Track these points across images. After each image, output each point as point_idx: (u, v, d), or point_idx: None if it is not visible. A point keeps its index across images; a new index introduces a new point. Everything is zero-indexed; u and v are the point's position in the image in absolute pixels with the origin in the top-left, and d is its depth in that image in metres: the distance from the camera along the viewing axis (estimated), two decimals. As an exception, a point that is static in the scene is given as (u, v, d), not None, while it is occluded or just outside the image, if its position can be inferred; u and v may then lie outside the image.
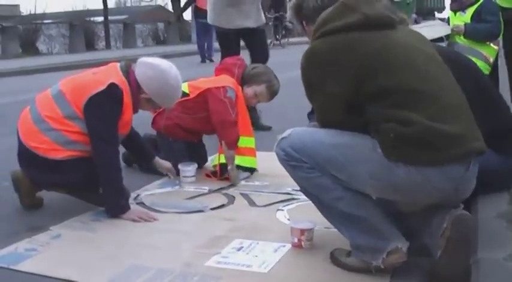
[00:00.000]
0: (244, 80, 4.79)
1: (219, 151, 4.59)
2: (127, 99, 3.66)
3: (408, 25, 2.88)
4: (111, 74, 3.68)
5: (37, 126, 3.63)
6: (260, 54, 6.72)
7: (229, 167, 4.50)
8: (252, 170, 4.71)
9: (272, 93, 4.87)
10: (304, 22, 3.03)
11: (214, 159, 4.68)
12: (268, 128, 6.44)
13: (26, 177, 3.78)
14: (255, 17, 6.72)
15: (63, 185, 3.73)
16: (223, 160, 4.55)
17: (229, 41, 6.85)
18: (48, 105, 3.67)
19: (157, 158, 4.39)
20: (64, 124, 3.60)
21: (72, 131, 3.61)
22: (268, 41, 22.95)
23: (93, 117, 3.58)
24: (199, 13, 16.99)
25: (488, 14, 5.95)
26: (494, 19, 5.91)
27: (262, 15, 6.88)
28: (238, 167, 4.59)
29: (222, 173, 4.58)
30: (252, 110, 5.83)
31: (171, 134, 4.72)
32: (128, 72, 3.73)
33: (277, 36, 24.27)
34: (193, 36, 23.55)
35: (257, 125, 6.40)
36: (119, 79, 3.66)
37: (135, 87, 3.72)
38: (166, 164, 4.44)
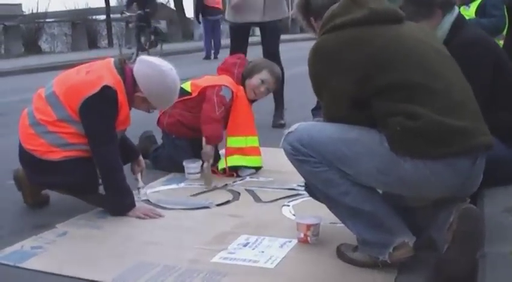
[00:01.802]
0: (245, 76, 4.80)
1: (226, 154, 4.62)
2: (122, 97, 3.59)
3: None
4: (105, 73, 3.60)
5: (34, 129, 3.61)
6: (266, 52, 6.67)
7: (204, 165, 4.48)
8: (257, 168, 4.72)
9: (275, 75, 4.86)
10: (312, 18, 3.03)
11: (220, 163, 4.67)
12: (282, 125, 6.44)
13: (27, 177, 3.78)
14: (263, 11, 6.59)
15: (61, 186, 3.71)
16: (230, 163, 4.58)
17: (236, 35, 6.87)
18: (42, 108, 3.62)
19: (140, 157, 4.19)
20: (59, 126, 3.56)
21: (69, 133, 3.57)
22: (130, 51, 16.68)
23: (89, 120, 3.54)
24: (206, 11, 17.16)
25: (493, 8, 5.92)
26: (499, 13, 5.89)
27: (279, 10, 6.71)
28: (246, 167, 4.62)
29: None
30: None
31: (174, 131, 4.74)
32: (122, 68, 3.67)
33: (146, 44, 17.09)
34: (197, 33, 23.09)
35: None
36: (113, 78, 3.59)
37: (131, 84, 3.67)
38: (141, 164, 4.18)
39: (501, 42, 5.99)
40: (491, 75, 3.33)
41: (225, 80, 4.70)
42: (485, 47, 3.43)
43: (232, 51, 6.60)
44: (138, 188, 4.09)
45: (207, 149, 4.47)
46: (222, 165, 4.62)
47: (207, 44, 17.61)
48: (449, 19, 3.46)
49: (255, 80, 4.76)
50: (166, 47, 18.73)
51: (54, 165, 3.57)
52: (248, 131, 4.69)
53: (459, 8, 6.16)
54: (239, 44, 6.74)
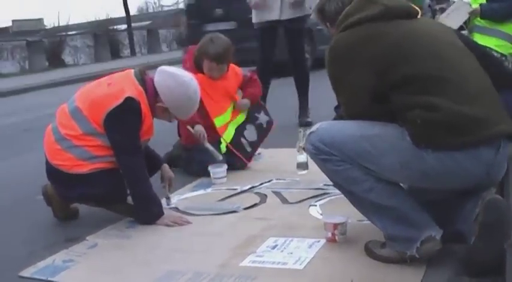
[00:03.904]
0: (198, 64, 4.84)
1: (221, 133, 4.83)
2: (145, 108, 3.62)
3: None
4: (126, 85, 3.63)
5: (60, 145, 3.64)
6: (290, 53, 6.68)
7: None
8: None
9: (216, 59, 4.76)
10: (328, 24, 3.06)
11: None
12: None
13: (56, 192, 3.83)
14: (280, 9, 6.47)
15: (90, 198, 3.74)
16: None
17: (260, 36, 6.75)
18: (66, 123, 3.66)
19: (164, 165, 4.13)
20: (85, 140, 3.59)
21: (95, 146, 3.60)
22: None
23: (114, 132, 3.57)
24: None
25: None
26: None
27: (299, 7, 6.49)
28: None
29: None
30: None
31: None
32: (143, 79, 3.70)
33: None
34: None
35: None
36: (135, 89, 3.61)
37: (152, 95, 3.68)
38: (169, 173, 4.10)
39: None
40: None
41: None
42: None
43: (260, 54, 6.65)
44: (167, 198, 4.08)
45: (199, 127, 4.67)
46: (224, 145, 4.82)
47: None
48: None
49: (203, 67, 4.78)
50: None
51: (82, 178, 3.61)
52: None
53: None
54: (265, 46, 6.68)
